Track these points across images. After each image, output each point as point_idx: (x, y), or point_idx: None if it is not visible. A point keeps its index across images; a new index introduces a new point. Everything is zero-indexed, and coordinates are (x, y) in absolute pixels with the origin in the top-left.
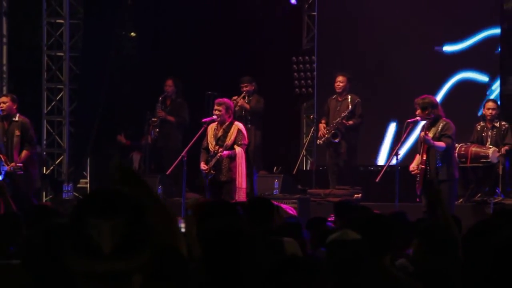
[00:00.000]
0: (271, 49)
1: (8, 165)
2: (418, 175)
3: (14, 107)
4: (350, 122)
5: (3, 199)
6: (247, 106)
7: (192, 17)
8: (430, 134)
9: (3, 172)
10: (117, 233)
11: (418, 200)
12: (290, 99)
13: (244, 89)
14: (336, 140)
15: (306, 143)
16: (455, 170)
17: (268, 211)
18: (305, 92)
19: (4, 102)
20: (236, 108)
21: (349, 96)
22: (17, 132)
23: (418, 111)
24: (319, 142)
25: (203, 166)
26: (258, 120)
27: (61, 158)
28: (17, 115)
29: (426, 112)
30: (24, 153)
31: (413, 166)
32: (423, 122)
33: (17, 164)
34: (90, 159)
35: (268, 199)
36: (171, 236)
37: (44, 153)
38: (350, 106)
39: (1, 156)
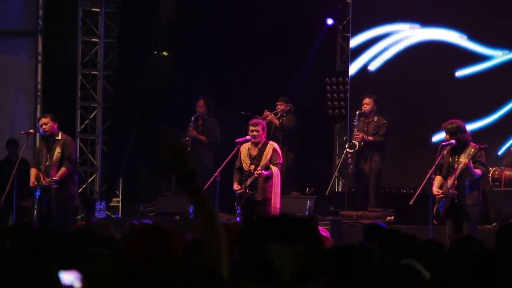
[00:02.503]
0: (305, 70)
1: (44, 180)
2: (442, 199)
3: (55, 126)
4: (370, 137)
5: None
6: (276, 122)
7: (225, 37)
8: (462, 159)
9: (38, 189)
10: (297, 260)
11: (435, 222)
12: (323, 120)
13: (279, 107)
14: (352, 151)
15: (339, 165)
16: (480, 194)
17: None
18: (338, 113)
19: (45, 124)
20: (265, 121)
21: (376, 118)
22: (58, 150)
23: (446, 136)
24: (350, 170)
25: (236, 186)
26: (290, 141)
27: (93, 177)
28: (60, 133)
29: (455, 137)
30: (62, 170)
31: (437, 190)
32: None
33: (53, 178)
34: (123, 178)
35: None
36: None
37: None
38: (374, 128)
39: (41, 174)
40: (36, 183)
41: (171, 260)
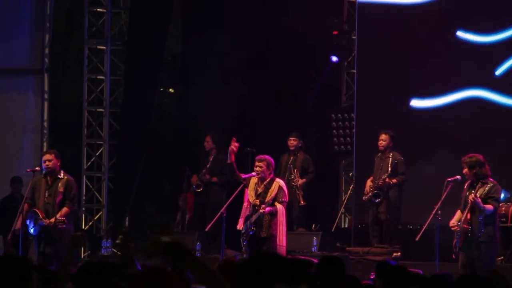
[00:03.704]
0: (310, 106)
1: (45, 219)
2: (458, 232)
3: (58, 164)
4: (394, 180)
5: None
6: (304, 180)
7: (231, 73)
8: (477, 194)
9: (36, 227)
10: None
11: (453, 256)
12: (329, 156)
13: (292, 142)
14: (377, 200)
15: (345, 201)
16: (496, 232)
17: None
18: (344, 149)
19: (49, 160)
20: (299, 192)
21: (391, 154)
22: (61, 189)
23: (465, 170)
24: (364, 198)
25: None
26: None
27: (100, 214)
28: (62, 172)
29: (474, 171)
30: (64, 209)
31: (453, 222)
32: (465, 180)
33: (59, 218)
34: (129, 215)
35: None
36: None
37: (84, 208)
38: (390, 165)
39: (37, 210)
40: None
41: None
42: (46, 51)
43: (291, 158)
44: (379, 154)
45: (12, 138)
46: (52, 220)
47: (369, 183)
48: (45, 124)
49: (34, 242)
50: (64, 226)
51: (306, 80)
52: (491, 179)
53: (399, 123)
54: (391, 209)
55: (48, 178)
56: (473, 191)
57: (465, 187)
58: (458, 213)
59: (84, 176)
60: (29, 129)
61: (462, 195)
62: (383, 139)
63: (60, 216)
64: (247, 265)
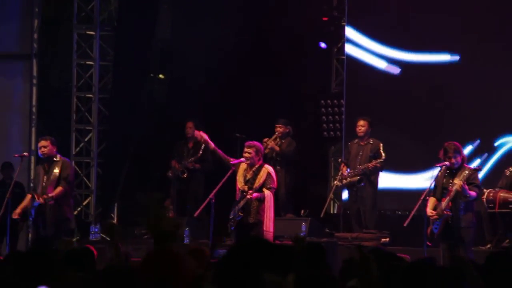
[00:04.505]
0: (300, 92)
1: (39, 199)
2: (435, 220)
3: (55, 150)
4: (378, 165)
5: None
6: (277, 148)
7: (220, 60)
8: (456, 181)
9: (32, 210)
10: None
11: (429, 243)
12: (318, 142)
13: (278, 129)
14: (362, 184)
15: (334, 187)
16: (474, 216)
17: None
18: (333, 135)
19: (44, 146)
20: (266, 151)
21: (371, 140)
22: (56, 170)
23: (458, 158)
24: (336, 183)
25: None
26: (288, 163)
27: (88, 199)
28: (58, 156)
29: (461, 156)
30: (58, 189)
31: (431, 211)
32: (438, 167)
33: (49, 195)
34: (118, 200)
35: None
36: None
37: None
38: (380, 151)
39: (35, 194)
40: (18, 215)
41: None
42: (35, 36)
43: (279, 147)
44: (356, 140)
45: (0, 123)
46: (45, 196)
47: (344, 168)
48: (34, 109)
49: (25, 227)
50: (52, 202)
51: (295, 67)
52: (466, 165)
53: (387, 109)
54: (373, 194)
55: (45, 164)
56: (451, 179)
57: (439, 174)
58: (433, 200)
59: (73, 162)
60: (17, 114)
61: (438, 183)
62: (362, 125)
63: (53, 194)
64: (233, 252)
